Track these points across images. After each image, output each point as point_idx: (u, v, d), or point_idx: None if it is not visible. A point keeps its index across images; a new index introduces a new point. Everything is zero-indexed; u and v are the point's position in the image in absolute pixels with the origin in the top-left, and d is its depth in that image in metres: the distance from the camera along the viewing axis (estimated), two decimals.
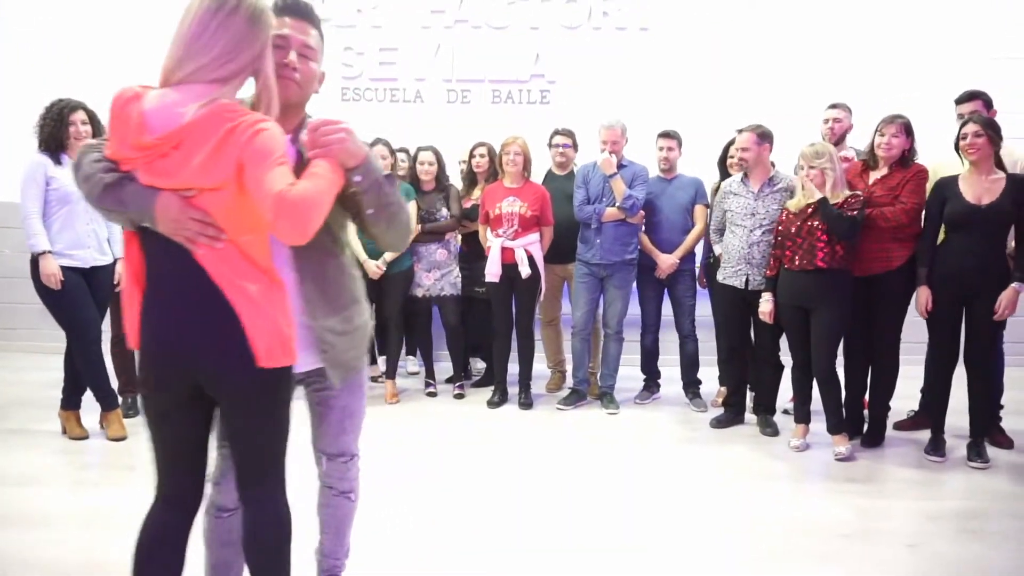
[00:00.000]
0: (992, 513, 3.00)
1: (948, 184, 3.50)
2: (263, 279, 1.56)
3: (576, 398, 4.44)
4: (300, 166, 1.60)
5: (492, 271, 4.25)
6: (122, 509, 2.84)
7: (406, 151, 4.64)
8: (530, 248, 4.26)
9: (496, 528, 2.77)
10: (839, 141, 4.18)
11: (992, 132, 3.38)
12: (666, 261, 4.32)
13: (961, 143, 3.44)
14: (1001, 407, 3.86)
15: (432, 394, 4.60)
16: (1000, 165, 3.44)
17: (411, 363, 5.22)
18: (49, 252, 3.46)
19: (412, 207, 4.32)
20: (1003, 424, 3.82)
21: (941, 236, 3.55)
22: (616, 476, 3.34)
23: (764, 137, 3.86)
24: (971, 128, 3.40)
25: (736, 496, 3.13)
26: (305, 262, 1.71)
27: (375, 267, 4.26)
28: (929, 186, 3.72)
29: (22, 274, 3.72)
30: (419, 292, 4.48)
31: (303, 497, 1.93)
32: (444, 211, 4.46)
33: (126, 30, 5.22)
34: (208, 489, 1.78)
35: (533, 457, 3.59)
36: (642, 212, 4.31)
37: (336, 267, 1.79)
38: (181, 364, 1.58)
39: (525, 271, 4.21)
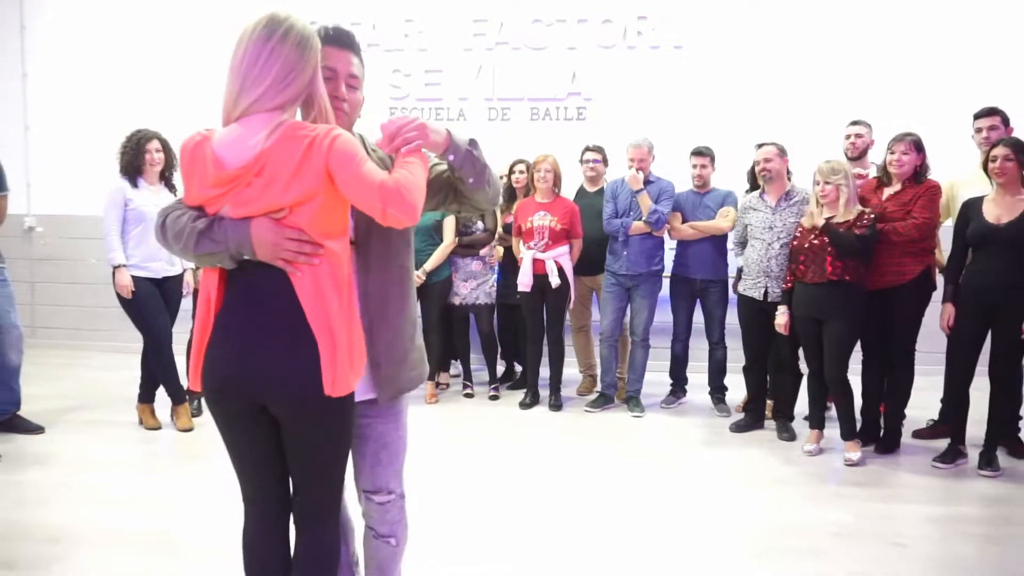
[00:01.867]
0: (987, 518, 3.12)
1: (973, 205, 3.60)
2: (344, 302, 1.60)
3: (603, 401, 4.69)
4: None
5: (524, 281, 4.54)
6: (187, 491, 3.28)
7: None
8: (560, 259, 4.52)
9: (521, 520, 3.03)
10: (860, 156, 4.33)
11: (1022, 155, 3.44)
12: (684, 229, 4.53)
13: (990, 165, 3.50)
14: (1020, 418, 3.92)
15: (469, 395, 4.91)
16: None
17: (451, 367, 5.53)
18: (124, 266, 3.91)
19: (449, 221, 4.64)
20: (1022, 436, 3.89)
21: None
22: (632, 474, 3.57)
23: (784, 152, 4.05)
24: (1001, 151, 3.46)
25: (739, 496, 3.32)
26: (370, 284, 1.75)
27: (416, 276, 4.60)
28: (943, 201, 3.85)
29: (105, 281, 4.20)
30: (456, 300, 4.80)
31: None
32: (479, 224, 4.75)
33: (195, 65, 5.72)
34: None
35: (558, 455, 3.85)
36: (667, 225, 4.52)
37: (400, 290, 1.82)
38: (252, 387, 1.60)
39: (555, 281, 4.48)
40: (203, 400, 4.31)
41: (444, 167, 1.79)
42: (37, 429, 3.98)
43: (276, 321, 1.59)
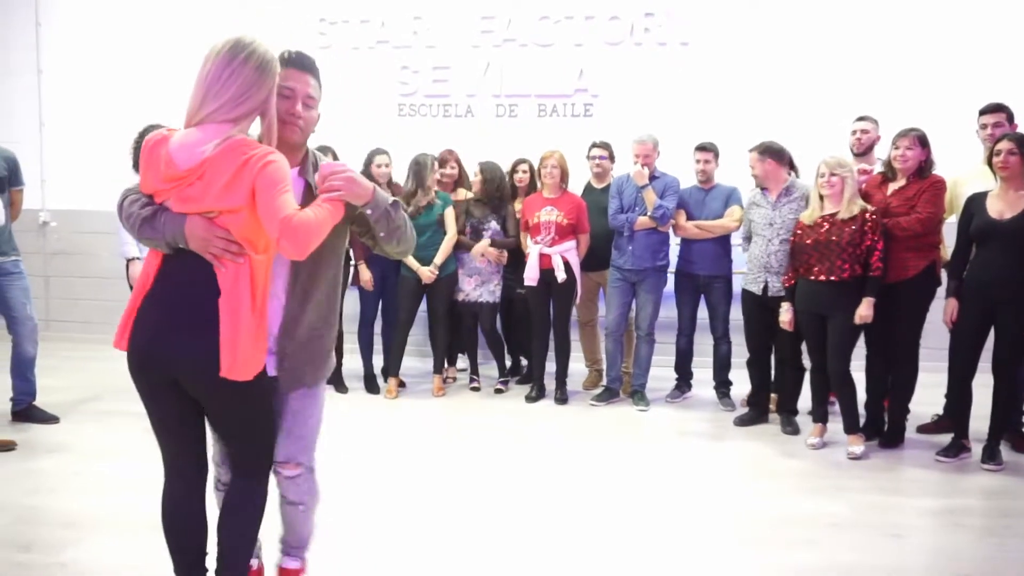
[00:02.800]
0: (985, 510, 3.16)
1: (976, 200, 3.62)
2: (254, 304, 1.81)
3: (609, 395, 4.73)
4: (307, 195, 1.94)
5: (530, 276, 4.59)
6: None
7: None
8: (566, 255, 4.57)
9: (525, 508, 3.08)
10: (866, 152, 4.35)
11: None
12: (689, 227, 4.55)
13: (994, 159, 3.52)
14: (1023, 413, 3.94)
15: (475, 389, 4.97)
16: None
17: (459, 361, 5.57)
18: (137, 258, 3.98)
19: (449, 212, 4.69)
20: None
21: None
22: (635, 465, 3.61)
23: (765, 153, 4.08)
24: (1005, 146, 3.48)
25: (739, 487, 3.37)
26: (298, 287, 1.98)
27: (428, 272, 4.65)
28: (948, 196, 3.86)
29: (118, 275, 4.28)
30: (460, 296, 4.84)
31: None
32: (493, 224, 4.78)
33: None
34: (211, 468, 2.08)
35: (563, 447, 3.90)
36: (672, 221, 4.55)
37: (321, 292, 2.03)
38: (163, 361, 1.82)
39: (561, 276, 4.52)
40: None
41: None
42: (52, 419, 4.07)
43: (191, 305, 1.81)
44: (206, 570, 2.04)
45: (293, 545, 2.28)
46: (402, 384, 4.97)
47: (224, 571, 2.00)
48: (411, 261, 4.59)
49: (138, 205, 1.84)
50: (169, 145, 1.79)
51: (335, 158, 4.73)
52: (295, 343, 2.00)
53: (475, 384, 5.00)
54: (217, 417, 1.94)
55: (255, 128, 1.91)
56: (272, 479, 2.10)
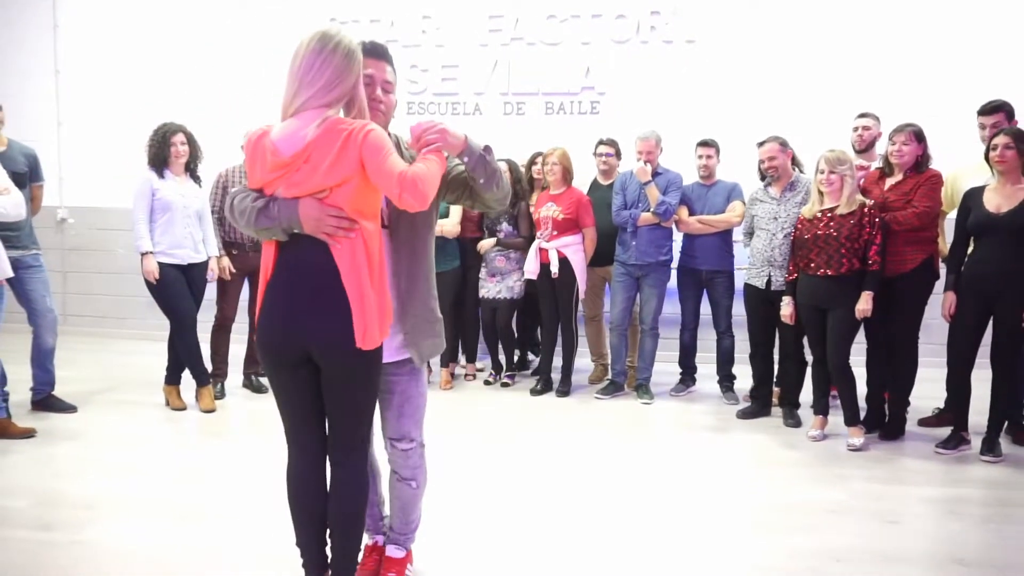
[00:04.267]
0: (983, 499, 3.20)
1: (973, 194, 3.66)
2: (372, 275, 1.91)
3: (613, 389, 4.80)
4: None
5: (528, 269, 4.69)
6: (212, 465, 3.44)
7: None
8: (564, 250, 4.64)
9: (530, 497, 3.16)
10: (868, 148, 4.40)
11: (1022, 144, 3.51)
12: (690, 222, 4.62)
13: (991, 154, 3.56)
14: (1023, 406, 3.97)
15: (488, 383, 5.05)
16: None
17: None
18: (151, 253, 4.09)
19: (456, 211, 4.77)
20: None
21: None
22: (638, 456, 3.68)
23: (785, 145, 4.13)
24: (1002, 140, 3.53)
25: (739, 476, 3.43)
26: (403, 265, 2.08)
27: (450, 226, 4.71)
28: (945, 191, 3.91)
29: (133, 271, 4.39)
30: (482, 293, 4.92)
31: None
32: (505, 225, 4.84)
33: (217, 62, 5.92)
34: None
35: (567, 438, 3.97)
36: (675, 216, 4.61)
37: (425, 268, 2.15)
38: (300, 338, 1.93)
39: (554, 271, 4.60)
40: (225, 384, 4.55)
41: (462, 167, 2.07)
42: (70, 408, 4.18)
43: (318, 285, 1.91)
44: (326, 542, 2.12)
45: (400, 532, 2.37)
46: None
47: (339, 552, 2.08)
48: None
49: (250, 199, 1.94)
50: (271, 137, 1.91)
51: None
52: (415, 319, 2.12)
53: (488, 378, 5.07)
54: (338, 391, 2.00)
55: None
56: (381, 461, 2.28)
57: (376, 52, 2.07)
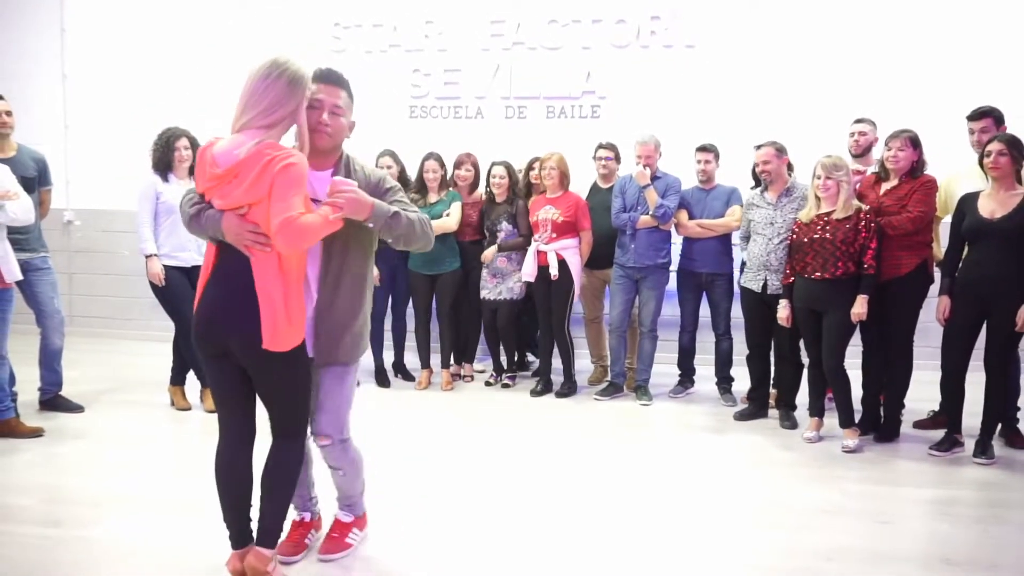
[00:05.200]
0: (974, 500, 3.24)
1: (968, 200, 3.70)
2: (286, 288, 2.12)
3: (613, 390, 4.85)
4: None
5: (526, 271, 4.76)
6: (213, 465, 3.48)
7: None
8: (563, 252, 4.69)
9: (532, 500, 3.20)
10: (864, 153, 4.45)
11: (1016, 151, 3.55)
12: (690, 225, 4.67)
13: (985, 160, 3.60)
14: (1019, 409, 4.01)
15: (489, 383, 5.10)
16: (1021, 180, 3.60)
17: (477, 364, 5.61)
18: (155, 255, 4.16)
19: (456, 208, 4.82)
20: (1021, 426, 3.97)
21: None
22: (635, 456, 3.73)
23: (782, 151, 4.18)
24: (996, 147, 3.57)
25: (734, 476, 3.48)
26: (329, 277, 2.30)
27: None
28: (939, 195, 3.95)
29: (138, 273, 4.45)
30: (483, 294, 4.97)
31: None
32: (504, 224, 4.89)
33: (221, 68, 5.99)
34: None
35: (566, 439, 4.01)
36: (673, 219, 4.66)
37: (351, 281, 2.34)
38: (219, 333, 2.17)
39: (553, 273, 4.65)
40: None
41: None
42: (77, 408, 4.25)
43: (238, 288, 2.13)
44: (250, 519, 2.36)
45: (345, 502, 2.64)
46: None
47: (263, 520, 2.32)
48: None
49: (188, 204, 2.20)
50: (213, 149, 2.12)
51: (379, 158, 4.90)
52: (327, 325, 2.31)
53: (488, 379, 5.12)
54: (260, 384, 2.24)
55: (291, 137, 2.22)
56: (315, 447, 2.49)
57: (329, 78, 2.26)
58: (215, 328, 2.17)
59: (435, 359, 5.16)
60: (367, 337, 2.47)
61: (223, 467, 2.33)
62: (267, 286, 2.11)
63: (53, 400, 4.24)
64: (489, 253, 4.87)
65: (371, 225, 2.21)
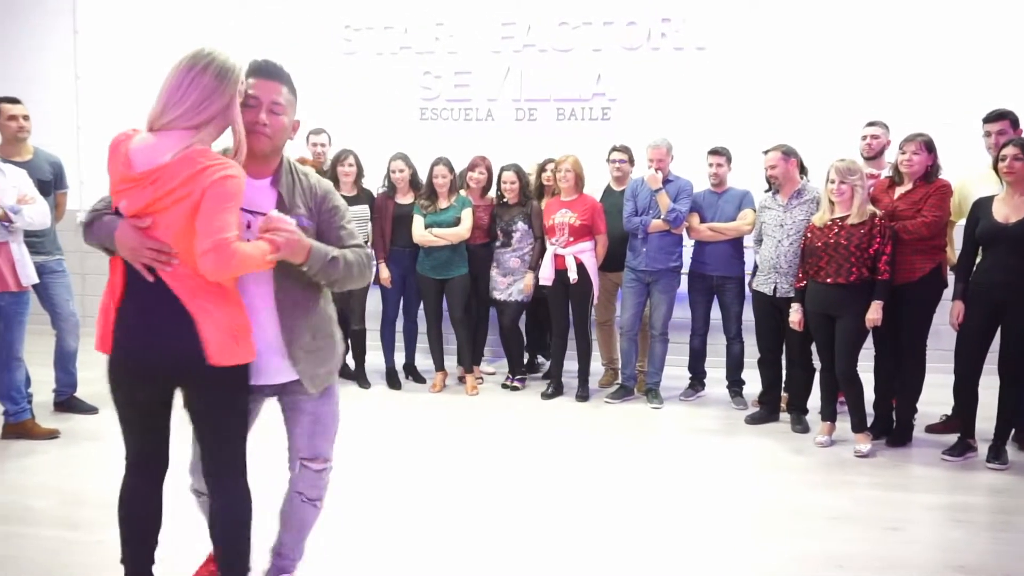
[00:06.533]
0: (986, 507, 3.24)
1: (982, 204, 3.69)
2: (217, 292, 1.85)
3: (623, 393, 4.85)
4: (280, 206, 1.97)
5: (544, 275, 4.74)
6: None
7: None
8: (580, 255, 4.69)
9: (542, 503, 3.21)
10: (876, 157, 4.43)
11: None
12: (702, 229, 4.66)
13: (1000, 164, 3.59)
14: None
15: (505, 386, 5.08)
16: None
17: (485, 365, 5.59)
18: None
19: (467, 216, 4.83)
20: None
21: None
22: (646, 459, 3.74)
23: (789, 154, 4.17)
24: (1011, 151, 3.55)
25: (744, 481, 3.48)
26: (285, 297, 2.01)
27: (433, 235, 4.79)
28: (955, 200, 3.94)
29: None
30: (495, 295, 4.98)
31: (269, 498, 2.26)
32: (520, 224, 4.90)
33: None
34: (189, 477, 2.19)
35: (577, 442, 4.03)
36: (686, 223, 4.66)
37: (312, 299, 2.08)
38: (149, 362, 1.88)
39: (572, 276, 4.65)
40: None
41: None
42: (92, 409, 4.28)
43: (163, 306, 1.85)
44: (153, 560, 2.13)
45: (289, 556, 2.32)
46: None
47: (228, 571, 2.06)
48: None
49: (91, 209, 1.92)
50: (130, 145, 1.83)
51: (357, 161, 4.91)
52: (304, 350, 2.05)
53: (504, 381, 5.11)
54: (202, 412, 1.95)
55: (227, 140, 1.94)
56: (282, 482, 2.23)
57: (265, 72, 1.95)
58: (146, 356, 1.87)
59: (449, 361, 5.16)
60: (340, 343, 2.22)
61: (131, 505, 2.07)
62: (197, 299, 1.84)
63: (68, 401, 4.28)
64: (528, 285, 4.87)
65: (305, 269, 1.94)
